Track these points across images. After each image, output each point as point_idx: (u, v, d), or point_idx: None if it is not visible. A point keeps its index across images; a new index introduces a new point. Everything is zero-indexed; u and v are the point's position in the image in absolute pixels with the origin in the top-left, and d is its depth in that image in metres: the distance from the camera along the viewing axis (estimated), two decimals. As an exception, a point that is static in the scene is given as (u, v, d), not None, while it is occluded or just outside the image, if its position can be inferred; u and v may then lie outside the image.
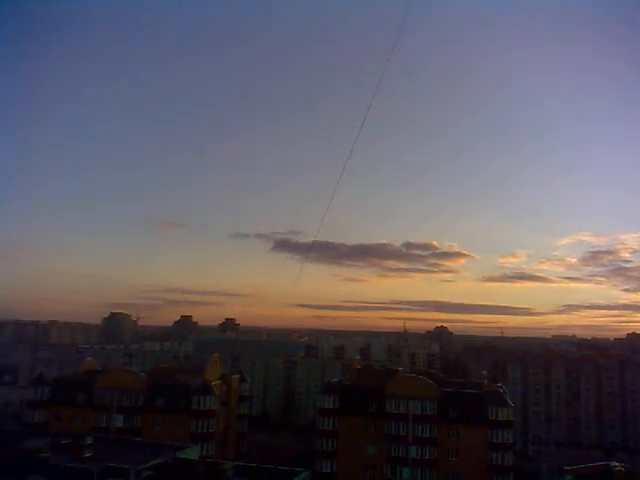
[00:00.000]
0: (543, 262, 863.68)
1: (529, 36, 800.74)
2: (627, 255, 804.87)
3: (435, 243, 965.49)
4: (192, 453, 64.82)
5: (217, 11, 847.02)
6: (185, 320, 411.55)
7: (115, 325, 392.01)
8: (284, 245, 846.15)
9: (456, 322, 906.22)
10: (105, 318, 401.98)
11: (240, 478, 50.34)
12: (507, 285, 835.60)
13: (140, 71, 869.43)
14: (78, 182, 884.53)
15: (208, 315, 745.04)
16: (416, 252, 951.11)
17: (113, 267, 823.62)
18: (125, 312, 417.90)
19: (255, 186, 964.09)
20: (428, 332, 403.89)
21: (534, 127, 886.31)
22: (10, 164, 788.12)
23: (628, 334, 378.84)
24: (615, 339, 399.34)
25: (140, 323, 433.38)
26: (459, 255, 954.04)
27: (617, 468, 55.62)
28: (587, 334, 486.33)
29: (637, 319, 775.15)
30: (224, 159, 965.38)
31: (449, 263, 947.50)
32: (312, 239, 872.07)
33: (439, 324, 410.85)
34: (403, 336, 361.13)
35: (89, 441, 60.93)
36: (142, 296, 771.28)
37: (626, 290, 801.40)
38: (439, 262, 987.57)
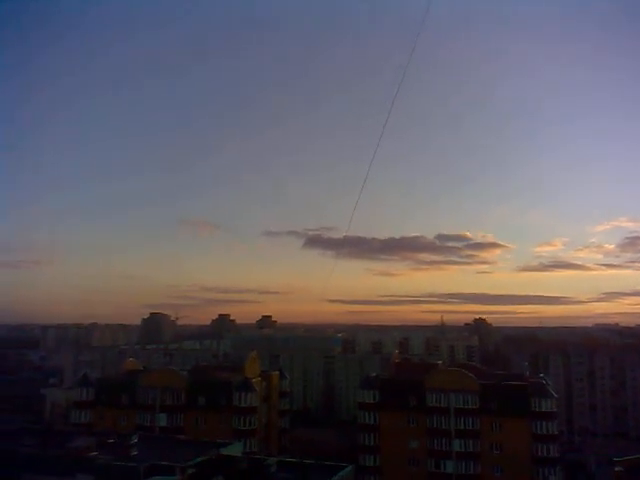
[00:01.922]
0: (580, 249, 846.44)
1: (548, 30, 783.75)
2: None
3: (468, 234, 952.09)
4: (235, 449, 65.27)
5: (232, 9, 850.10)
6: (223, 318, 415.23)
7: (155, 325, 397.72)
8: (316, 241, 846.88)
9: (494, 314, 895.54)
10: (145, 319, 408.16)
11: (284, 473, 50.49)
12: (544, 274, 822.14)
13: (168, 72, 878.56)
14: (115, 185, 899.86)
15: (245, 313, 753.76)
16: (450, 244, 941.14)
17: (151, 268, 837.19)
18: (164, 312, 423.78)
19: (285, 183, 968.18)
20: (466, 324, 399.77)
21: (566, 113, 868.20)
22: (48, 166, 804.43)
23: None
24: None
25: (179, 323, 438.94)
26: (494, 245, 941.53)
27: (668, 458, 54.30)
28: (630, 322, 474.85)
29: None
30: (253, 158, 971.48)
31: (484, 254, 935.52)
32: (343, 234, 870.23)
33: (477, 316, 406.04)
34: (441, 329, 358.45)
35: (134, 440, 61.91)
36: (180, 296, 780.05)
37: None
38: (474, 253, 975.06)
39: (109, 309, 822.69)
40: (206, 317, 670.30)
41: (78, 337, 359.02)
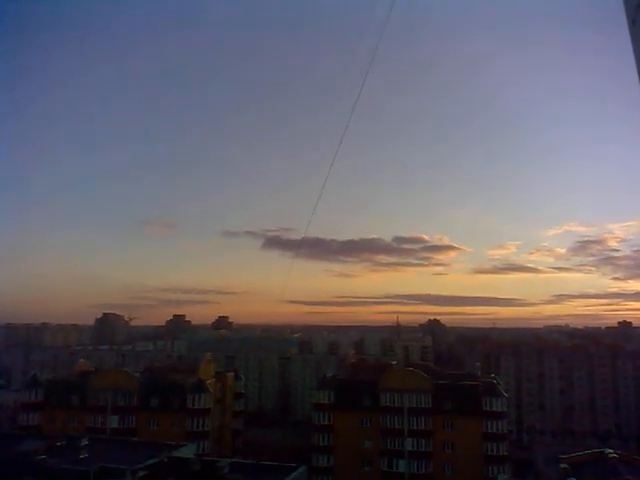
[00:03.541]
0: (532, 253, 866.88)
1: (515, 16, 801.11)
2: (615, 244, 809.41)
3: (425, 237, 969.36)
4: (188, 451, 64.85)
5: (211, 10, 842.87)
6: (178, 319, 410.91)
7: (108, 326, 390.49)
8: (275, 242, 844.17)
9: (448, 314, 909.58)
10: (97, 319, 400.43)
11: (237, 475, 50.36)
12: (498, 277, 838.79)
13: (133, 73, 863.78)
14: (69, 184, 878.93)
15: (201, 314, 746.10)
16: (407, 246, 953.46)
17: (105, 268, 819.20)
18: (117, 313, 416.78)
19: (243, 184, 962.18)
20: (421, 325, 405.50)
21: (522, 120, 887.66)
22: (1, 165, 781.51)
23: (619, 322, 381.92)
24: (606, 327, 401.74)
25: (133, 323, 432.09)
26: (449, 248, 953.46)
27: (611, 455, 56.06)
28: (579, 323, 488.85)
29: (627, 307, 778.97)
30: (212, 159, 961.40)
31: (440, 256, 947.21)
32: (302, 235, 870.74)
33: (432, 317, 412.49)
34: (396, 330, 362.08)
35: (84, 442, 60.88)
36: (134, 296, 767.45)
37: (615, 279, 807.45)
38: (430, 255, 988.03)
39: (61, 309, 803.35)
40: (161, 318, 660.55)
41: (28, 337, 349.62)
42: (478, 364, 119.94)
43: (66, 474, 51.60)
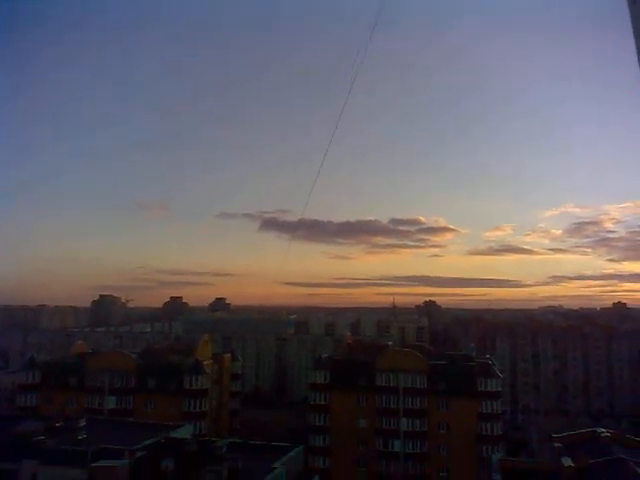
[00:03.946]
0: (528, 234, 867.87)
1: (502, 19, 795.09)
2: (611, 226, 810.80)
3: (421, 218, 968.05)
4: (185, 432, 65.26)
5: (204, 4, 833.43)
6: (175, 301, 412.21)
7: (104, 308, 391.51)
8: (272, 224, 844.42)
9: (444, 296, 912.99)
10: (94, 301, 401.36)
11: (234, 455, 50.78)
12: (494, 258, 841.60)
13: (126, 55, 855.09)
14: (64, 166, 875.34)
15: (198, 295, 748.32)
16: (403, 228, 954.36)
17: (101, 250, 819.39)
18: (114, 295, 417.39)
19: (240, 165, 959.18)
20: (417, 306, 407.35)
21: (518, 102, 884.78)
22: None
23: (614, 303, 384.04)
24: (601, 308, 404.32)
25: (130, 305, 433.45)
26: (445, 230, 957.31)
27: (603, 434, 56.66)
28: (574, 304, 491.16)
29: (622, 288, 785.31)
30: (208, 140, 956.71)
31: (436, 238, 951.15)
32: (299, 217, 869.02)
33: (428, 298, 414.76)
34: (392, 311, 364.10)
35: (82, 423, 61.23)
36: (131, 278, 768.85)
37: (611, 260, 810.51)
38: (426, 237, 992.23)
39: (58, 291, 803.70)
40: (158, 300, 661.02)
41: (26, 319, 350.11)
42: (473, 345, 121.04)
43: (64, 455, 51.97)
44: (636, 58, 19.37)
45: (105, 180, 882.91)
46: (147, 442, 54.29)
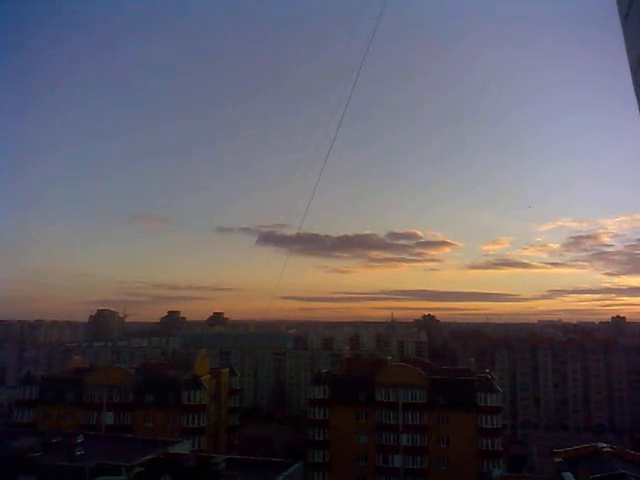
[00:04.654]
0: (526, 248, 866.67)
1: (507, 13, 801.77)
2: (608, 239, 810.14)
3: (419, 232, 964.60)
4: (183, 448, 64.91)
5: (205, 3, 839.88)
6: (172, 316, 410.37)
7: (102, 322, 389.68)
8: (269, 238, 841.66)
9: (443, 310, 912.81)
10: (92, 316, 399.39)
11: (232, 471, 50.43)
12: (491, 272, 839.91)
13: (125, 67, 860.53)
14: (61, 179, 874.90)
15: (196, 310, 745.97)
16: (400, 242, 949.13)
17: (98, 264, 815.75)
18: (112, 309, 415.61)
19: (237, 179, 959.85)
20: (416, 320, 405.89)
21: (515, 116, 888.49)
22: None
23: (612, 317, 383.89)
24: (600, 322, 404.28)
25: (127, 320, 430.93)
26: (443, 244, 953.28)
27: (605, 449, 56.44)
28: (572, 318, 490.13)
29: (620, 302, 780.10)
30: (206, 155, 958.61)
31: (433, 252, 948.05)
32: (297, 231, 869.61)
33: (426, 312, 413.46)
34: (391, 325, 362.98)
35: (80, 439, 60.86)
36: (129, 293, 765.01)
37: (608, 274, 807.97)
38: (424, 251, 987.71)
39: (55, 306, 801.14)
40: (155, 314, 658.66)
41: (22, 334, 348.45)
42: (472, 359, 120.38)
43: (62, 471, 51.59)
44: (630, 72, 19.55)
45: (102, 193, 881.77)
46: (145, 458, 53.91)
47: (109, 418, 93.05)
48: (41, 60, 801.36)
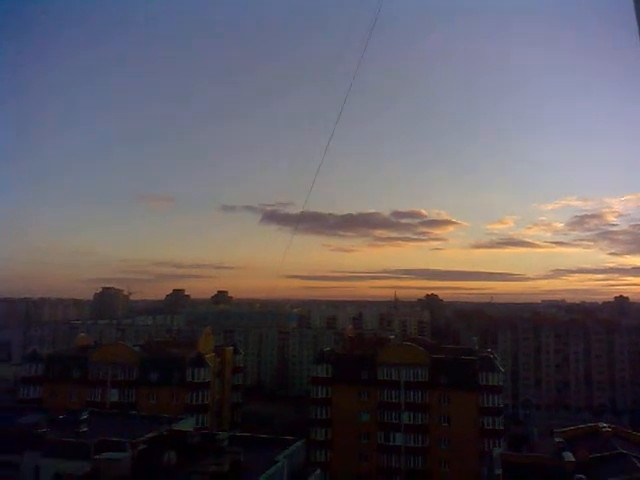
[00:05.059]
0: (530, 228, 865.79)
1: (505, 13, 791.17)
2: (613, 219, 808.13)
3: (423, 211, 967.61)
4: (187, 425, 65.49)
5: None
6: (177, 294, 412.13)
7: (107, 300, 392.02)
8: (273, 217, 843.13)
9: (446, 289, 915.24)
10: (97, 294, 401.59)
11: (235, 448, 50.91)
12: (495, 251, 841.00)
13: (128, 48, 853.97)
14: (66, 158, 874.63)
15: (200, 288, 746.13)
16: (405, 221, 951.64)
17: (103, 242, 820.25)
18: (117, 287, 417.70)
19: (241, 158, 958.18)
20: (419, 300, 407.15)
21: (520, 94, 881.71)
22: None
23: (616, 297, 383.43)
24: (603, 302, 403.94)
25: (132, 298, 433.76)
26: (447, 223, 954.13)
27: (605, 429, 56.79)
28: (576, 298, 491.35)
29: (624, 282, 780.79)
30: (210, 132, 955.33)
31: (438, 231, 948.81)
32: (301, 210, 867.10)
33: (429, 292, 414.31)
34: (394, 304, 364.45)
35: (85, 416, 61.49)
36: (133, 271, 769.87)
37: (613, 254, 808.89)
38: (428, 230, 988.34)
39: (60, 284, 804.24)
40: (160, 292, 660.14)
41: (27, 312, 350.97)
42: (475, 338, 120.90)
43: (67, 447, 52.19)
44: (638, 53, 19.30)
45: (107, 172, 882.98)
46: (149, 435, 54.47)
47: (114, 395, 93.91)
48: (47, 41, 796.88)
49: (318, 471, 59.13)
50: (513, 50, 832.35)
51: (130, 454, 45.38)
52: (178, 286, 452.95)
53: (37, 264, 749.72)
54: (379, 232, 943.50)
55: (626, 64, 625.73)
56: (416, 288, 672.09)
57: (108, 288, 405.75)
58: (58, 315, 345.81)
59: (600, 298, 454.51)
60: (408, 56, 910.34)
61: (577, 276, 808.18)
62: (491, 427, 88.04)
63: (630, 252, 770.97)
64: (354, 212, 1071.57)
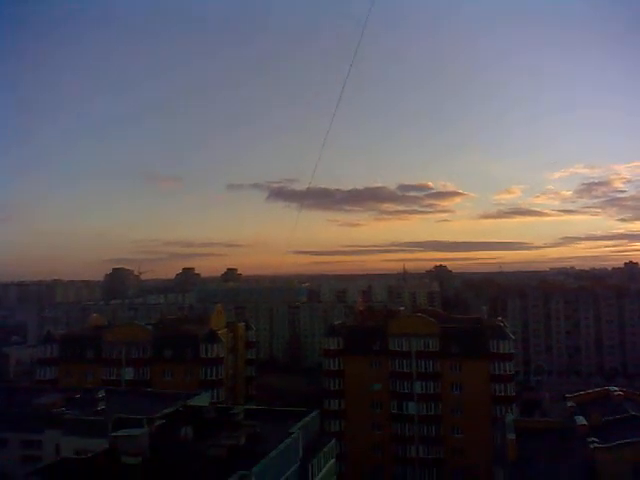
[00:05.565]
0: (538, 196, 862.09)
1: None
2: (621, 185, 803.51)
3: (430, 184, 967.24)
4: (203, 400, 66.35)
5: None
6: (187, 272, 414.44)
7: (118, 281, 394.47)
8: (280, 194, 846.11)
9: (455, 260, 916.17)
10: (108, 274, 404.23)
11: (251, 421, 51.65)
12: (503, 221, 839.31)
13: (135, 29, 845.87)
14: (75, 140, 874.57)
15: (210, 266, 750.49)
16: (411, 194, 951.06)
17: (112, 223, 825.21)
18: (127, 267, 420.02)
19: (247, 136, 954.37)
20: (428, 271, 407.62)
21: (525, 64, 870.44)
22: (9, 122, 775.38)
23: (625, 263, 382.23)
24: (613, 268, 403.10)
25: (143, 277, 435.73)
26: (454, 194, 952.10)
27: (616, 393, 56.98)
28: (585, 265, 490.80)
29: (634, 248, 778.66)
30: (215, 112, 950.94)
31: (445, 203, 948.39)
32: (307, 186, 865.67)
33: (438, 263, 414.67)
34: (403, 277, 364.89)
35: (101, 394, 62.48)
36: (143, 251, 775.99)
37: (621, 220, 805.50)
38: (435, 202, 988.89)
39: (71, 265, 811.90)
40: (170, 271, 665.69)
41: (40, 295, 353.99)
42: (485, 308, 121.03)
43: (85, 425, 53.17)
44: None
45: (114, 155, 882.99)
46: (166, 411, 55.32)
47: (129, 373, 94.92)
48: (49, 24, 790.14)
49: (333, 441, 60.02)
50: (519, 19, 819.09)
51: (147, 430, 46.15)
52: (188, 265, 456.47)
53: (48, 248, 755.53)
54: (386, 206, 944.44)
55: (632, 29, 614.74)
56: (425, 260, 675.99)
57: (119, 268, 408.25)
58: (70, 297, 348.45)
59: (609, 264, 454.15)
60: (412, 25, 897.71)
61: (586, 243, 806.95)
62: (503, 394, 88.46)
63: (639, 218, 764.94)
64: (360, 187, 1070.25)
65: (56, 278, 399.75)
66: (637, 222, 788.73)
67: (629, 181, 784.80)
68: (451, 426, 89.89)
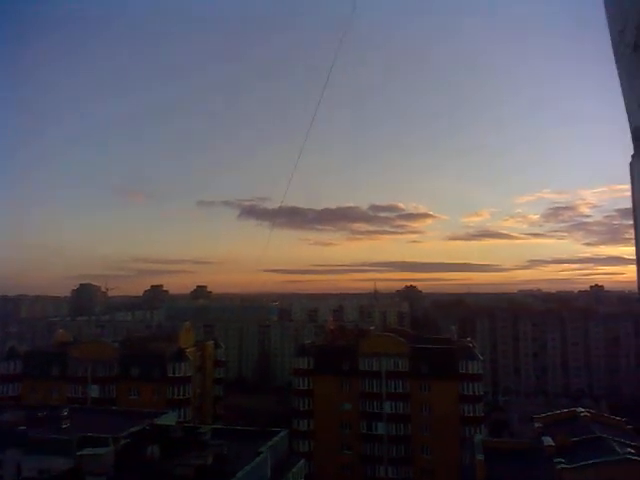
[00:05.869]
0: (506, 220, 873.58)
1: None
2: (587, 210, 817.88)
3: (401, 205, 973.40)
4: (169, 419, 65.41)
5: None
6: (156, 289, 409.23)
7: (85, 297, 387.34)
8: (251, 212, 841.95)
9: (424, 281, 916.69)
10: (74, 290, 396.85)
11: (218, 441, 51.05)
12: (472, 243, 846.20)
13: (107, 46, 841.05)
14: (43, 153, 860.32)
15: (179, 284, 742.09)
16: (383, 214, 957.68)
17: (80, 238, 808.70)
18: (94, 283, 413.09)
19: (219, 153, 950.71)
20: (398, 291, 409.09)
21: (493, 86, 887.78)
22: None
23: (591, 286, 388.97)
24: (579, 291, 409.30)
25: (110, 294, 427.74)
26: (425, 216, 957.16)
27: (583, 414, 57.82)
28: (552, 287, 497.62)
29: (598, 271, 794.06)
30: (186, 128, 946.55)
31: (415, 224, 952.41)
32: (279, 205, 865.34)
33: (408, 283, 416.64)
34: (374, 296, 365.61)
35: (65, 412, 61.10)
36: (111, 267, 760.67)
37: (587, 244, 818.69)
38: (405, 223, 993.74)
39: (37, 280, 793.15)
40: (138, 288, 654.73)
41: (5, 309, 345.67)
42: (454, 328, 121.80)
43: (49, 444, 51.87)
44: (610, 46, 19.63)
45: (81, 169, 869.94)
46: (132, 430, 54.36)
47: (94, 391, 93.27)
48: (32, 42, 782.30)
49: (302, 461, 59.55)
50: (485, 41, 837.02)
51: (113, 449, 45.28)
52: (156, 282, 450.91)
53: (13, 261, 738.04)
54: (357, 226, 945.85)
55: (598, 55, 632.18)
56: (395, 280, 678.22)
57: (86, 284, 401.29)
58: (36, 312, 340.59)
59: (575, 287, 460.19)
60: (387, 48, 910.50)
61: (553, 266, 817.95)
62: (472, 414, 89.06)
63: (604, 242, 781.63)
64: (332, 206, 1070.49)
65: (21, 293, 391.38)
66: (602, 246, 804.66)
67: (595, 206, 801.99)
68: (420, 446, 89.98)
